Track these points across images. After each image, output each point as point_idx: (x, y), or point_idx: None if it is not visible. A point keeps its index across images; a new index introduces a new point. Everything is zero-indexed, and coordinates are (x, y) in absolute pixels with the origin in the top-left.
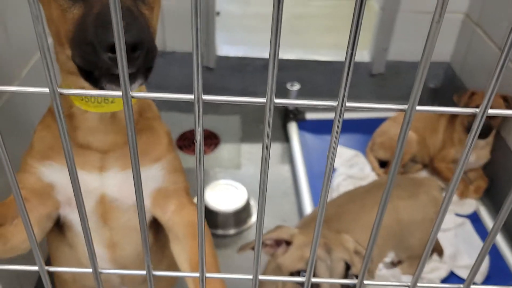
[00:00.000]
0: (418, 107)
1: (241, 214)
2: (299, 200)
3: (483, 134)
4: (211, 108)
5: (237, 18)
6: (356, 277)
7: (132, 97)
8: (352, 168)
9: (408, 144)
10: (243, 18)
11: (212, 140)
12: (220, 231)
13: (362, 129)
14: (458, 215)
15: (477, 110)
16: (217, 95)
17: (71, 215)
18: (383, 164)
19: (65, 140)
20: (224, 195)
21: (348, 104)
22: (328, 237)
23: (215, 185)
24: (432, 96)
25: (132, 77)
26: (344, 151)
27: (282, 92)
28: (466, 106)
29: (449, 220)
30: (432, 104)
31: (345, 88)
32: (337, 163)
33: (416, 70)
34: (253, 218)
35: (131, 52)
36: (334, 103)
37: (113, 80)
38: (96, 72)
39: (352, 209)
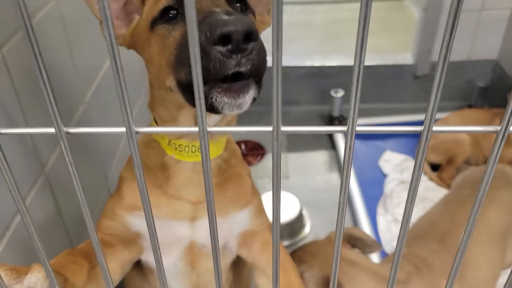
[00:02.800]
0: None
1: (295, 225)
2: (352, 208)
3: None
4: (255, 118)
5: None
6: None
7: (209, 131)
8: (403, 173)
9: (461, 146)
10: None
11: (258, 150)
12: None
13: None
14: None
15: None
16: (261, 106)
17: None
18: (435, 167)
19: (143, 188)
20: None
21: (359, 128)
22: None
23: (266, 197)
24: (482, 95)
25: (245, 87)
26: (393, 156)
27: (327, 99)
28: None
29: None
30: (482, 104)
31: (354, 112)
32: (387, 169)
33: (463, 70)
34: (306, 229)
35: (244, 42)
36: (345, 128)
37: (224, 90)
38: (205, 87)
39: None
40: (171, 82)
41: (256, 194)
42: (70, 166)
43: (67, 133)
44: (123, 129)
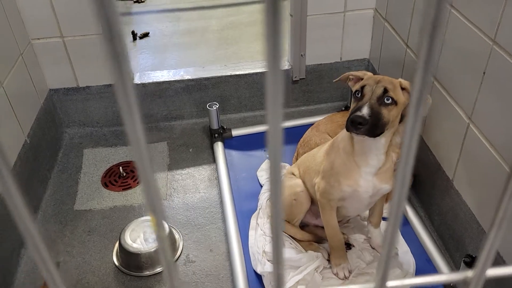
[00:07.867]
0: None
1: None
2: (226, 226)
3: None
4: None
5: (147, 43)
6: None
7: None
8: None
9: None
10: (155, 42)
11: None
12: (147, 272)
13: (287, 139)
14: (384, 218)
15: None
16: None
17: None
18: None
19: None
20: (146, 232)
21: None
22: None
23: (136, 224)
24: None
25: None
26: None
27: (204, 112)
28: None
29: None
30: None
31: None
32: (263, 179)
33: (337, 71)
34: (179, 252)
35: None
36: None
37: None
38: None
39: None
40: None
41: None
42: None
43: None
44: None
